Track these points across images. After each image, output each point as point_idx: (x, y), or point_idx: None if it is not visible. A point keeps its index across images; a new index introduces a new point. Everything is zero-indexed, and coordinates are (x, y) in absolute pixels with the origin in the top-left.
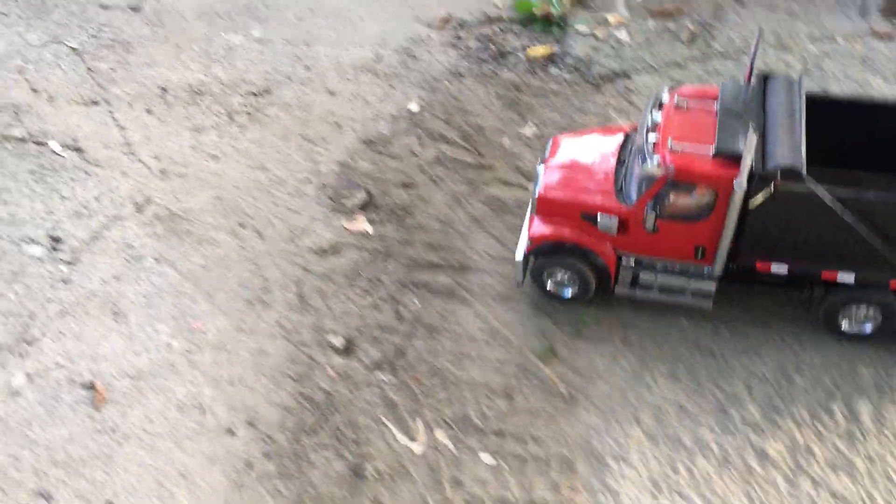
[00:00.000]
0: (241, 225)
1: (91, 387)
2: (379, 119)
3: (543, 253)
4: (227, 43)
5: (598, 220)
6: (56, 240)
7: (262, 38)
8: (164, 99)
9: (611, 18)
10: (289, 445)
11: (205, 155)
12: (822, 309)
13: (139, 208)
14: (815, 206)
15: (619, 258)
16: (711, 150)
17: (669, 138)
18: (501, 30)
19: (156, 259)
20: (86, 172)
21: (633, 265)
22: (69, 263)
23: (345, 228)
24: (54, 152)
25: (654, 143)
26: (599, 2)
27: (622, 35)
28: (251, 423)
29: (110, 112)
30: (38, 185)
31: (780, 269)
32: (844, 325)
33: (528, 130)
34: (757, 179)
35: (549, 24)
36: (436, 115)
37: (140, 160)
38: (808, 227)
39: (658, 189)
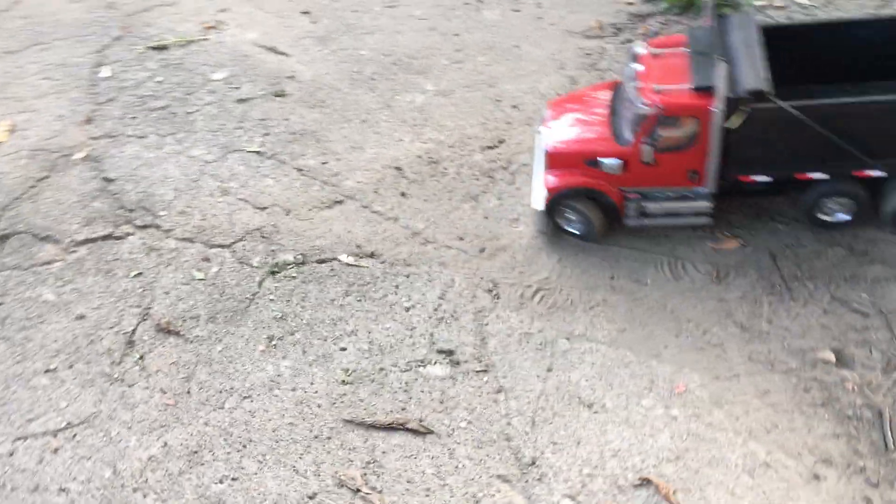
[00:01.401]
0: (612, 277)
1: (644, 483)
2: None
3: (559, 200)
4: (411, 104)
5: (603, 163)
6: (448, 353)
7: (439, 90)
8: (407, 177)
9: None
10: (882, 468)
11: (504, 221)
12: (804, 206)
13: (495, 295)
14: (783, 119)
15: (626, 195)
16: (689, 85)
17: (652, 81)
18: (664, 24)
19: (567, 338)
20: (404, 276)
21: (639, 198)
22: (485, 372)
23: (713, 249)
24: (349, 265)
25: (640, 89)
26: None
27: None
28: (828, 463)
29: (365, 206)
30: (367, 303)
31: (762, 179)
32: (824, 215)
33: None
34: (731, 104)
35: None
36: None
37: (448, 246)
38: (779, 139)
39: (650, 126)
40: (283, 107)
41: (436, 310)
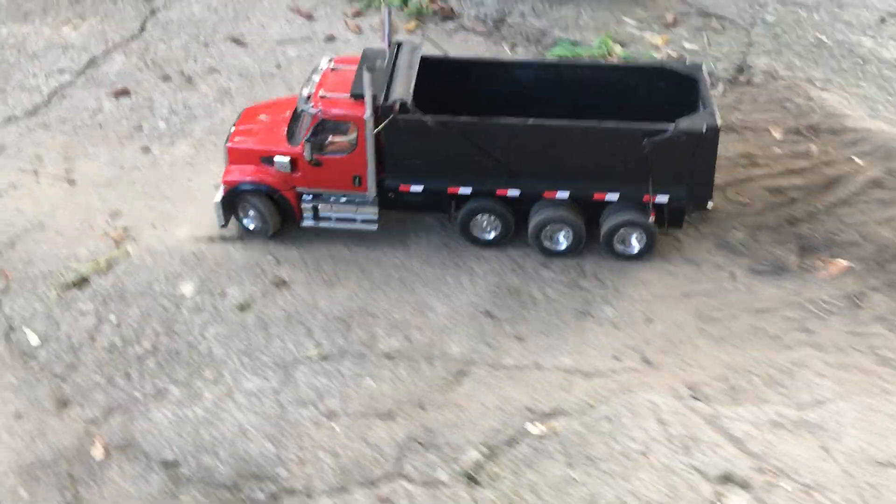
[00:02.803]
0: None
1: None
2: None
3: (236, 195)
4: None
5: (275, 161)
6: (728, 477)
7: None
8: (497, 316)
9: None
10: None
11: (632, 327)
12: (457, 221)
13: (704, 397)
14: (427, 132)
15: (301, 196)
16: (348, 94)
17: (321, 89)
18: None
19: (799, 409)
20: (604, 419)
21: (313, 200)
22: (777, 475)
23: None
24: (542, 435)
25: (311, 95)
26: None
27: None
28: None
29: (492, 366)
30: (599, 464)
31: (417, 189)
32: (476, 232)
33: None
34: (381, 112)
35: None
36: None
37: (613, 370)
38: (428, 151)
39: (312, 127)
40: (297, 295)
41: (669, 440)
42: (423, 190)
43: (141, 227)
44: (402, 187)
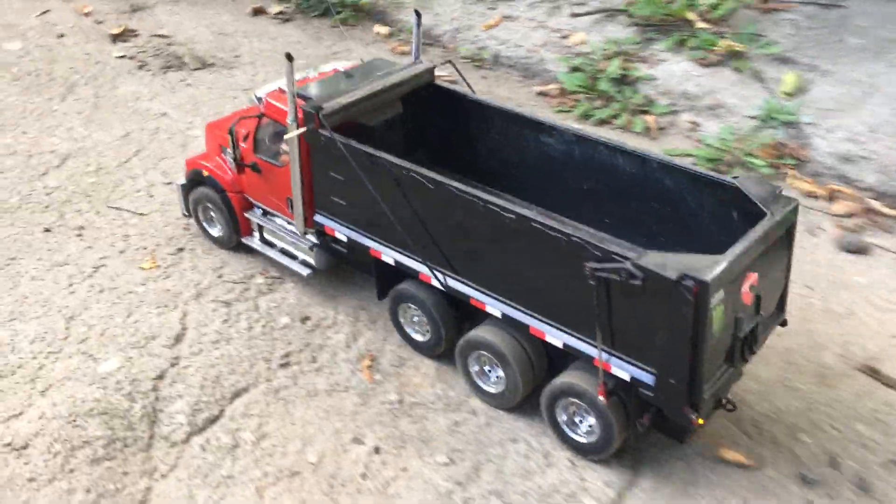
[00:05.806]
0: None
1: None
2: None
3: (193, 182)
4: None
5: (224, 151)
6: None
7: None
8: None
9: None
10: None
11: None
12: (389, 299)
13: None
14: (348, 162)
15: (252, 206)
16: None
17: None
18: None
19: None
20: None
21: (262, 216)
22: None
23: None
24: None
25: (280, 88)
26: None
27: None
28: None
29: None
30: None
31: (341, 236)
32: (404, 323)
33: None
34: (303, 119)
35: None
36: None
37: None
38: (353, 190)
39: (255, 123)
40: None
41: None
42: (348, 241)
43: None
44: (328, 229)
